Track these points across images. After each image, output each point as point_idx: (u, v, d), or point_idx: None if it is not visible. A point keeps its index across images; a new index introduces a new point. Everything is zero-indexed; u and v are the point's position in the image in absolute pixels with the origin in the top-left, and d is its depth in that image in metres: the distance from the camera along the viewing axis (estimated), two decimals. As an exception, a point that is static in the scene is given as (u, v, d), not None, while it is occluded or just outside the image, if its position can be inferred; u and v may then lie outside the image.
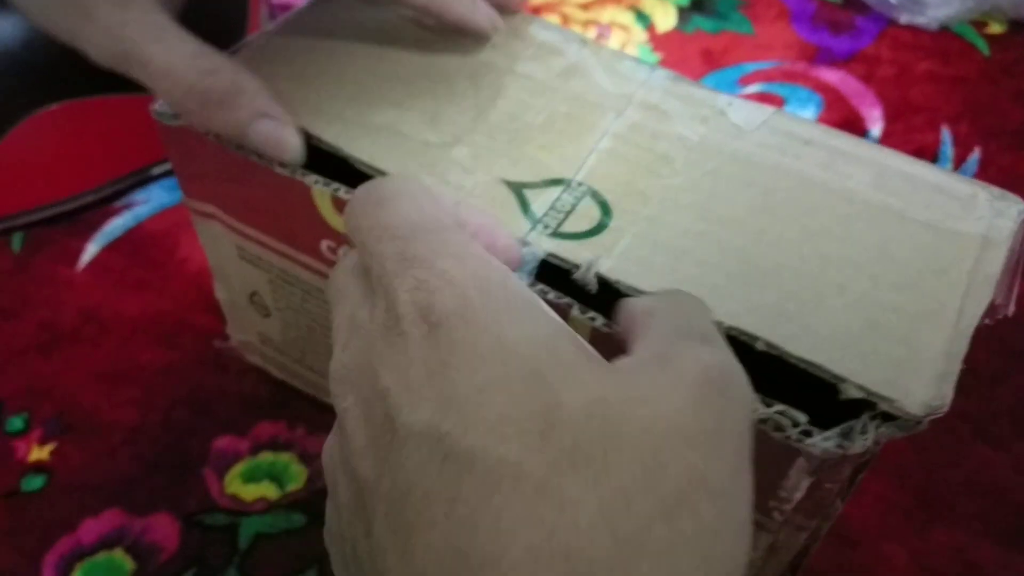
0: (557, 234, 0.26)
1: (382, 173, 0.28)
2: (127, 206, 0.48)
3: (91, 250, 0.46)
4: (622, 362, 0.18)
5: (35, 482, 0.38)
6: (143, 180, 0.49)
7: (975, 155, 0.51)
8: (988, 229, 0.26)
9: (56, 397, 0.41)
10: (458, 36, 0.32)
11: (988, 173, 0.50)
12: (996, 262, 0.25)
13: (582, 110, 0.29)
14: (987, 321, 0.27)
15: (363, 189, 0.22)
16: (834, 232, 0.26)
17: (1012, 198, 0.26)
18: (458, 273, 0.18)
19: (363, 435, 0.18)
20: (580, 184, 0.28)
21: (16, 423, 0.40)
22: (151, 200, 0.48)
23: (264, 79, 0.30)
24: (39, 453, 0.39)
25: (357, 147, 0.28)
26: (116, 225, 0.47)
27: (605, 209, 0.27)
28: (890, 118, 0.52)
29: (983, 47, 0.57)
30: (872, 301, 0.24)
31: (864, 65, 0.56)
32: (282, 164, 0.28)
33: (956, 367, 0.23)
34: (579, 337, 0.19)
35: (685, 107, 0.29)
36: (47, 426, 0.40)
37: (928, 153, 0.51)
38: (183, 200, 0.34)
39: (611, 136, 0.29)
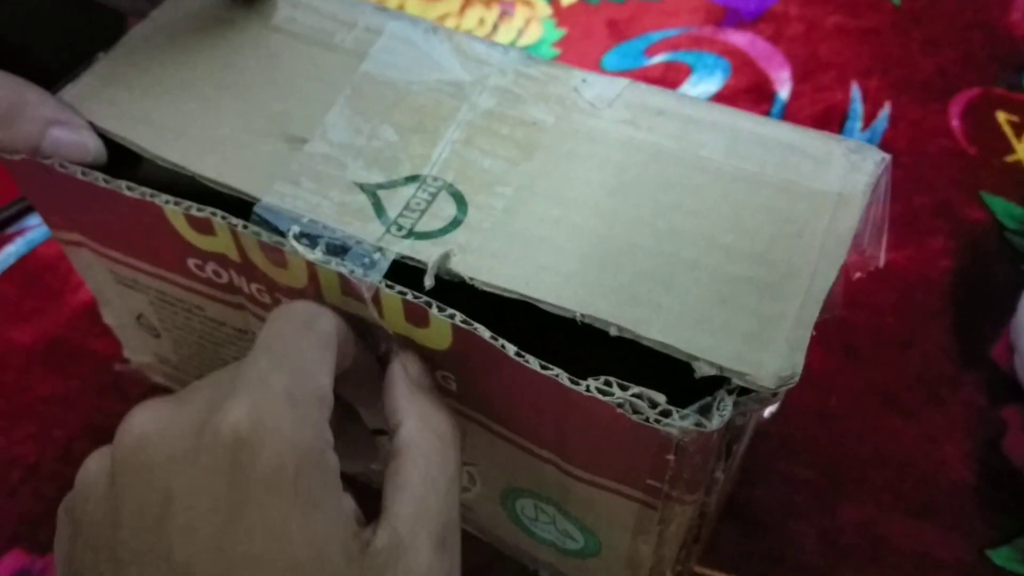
0: (412, 234, 0.25)
1: (230, 188, 0.27)
2: (19, 232, 0.47)
3: (-17, 282, 0.45)
4: (373, 547, 0.21)
5: (-70, 529, 0.37)
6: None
7: (885, 110, 0.50)
8: (843, 185, 0.25)
9: (-50, 439, 0.39)
10: (307, 36, 0.30)
11: (899, 128, 0.49)
12: (850, 219, 0.24)
13: (435, 101, 0.28)
14: (859, 275, 0.27)
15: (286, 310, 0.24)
16: (687, 205, 0.25)
17: (869, 149, 0.26)
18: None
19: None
20: (436, 179, 0.27)
21: (-91, 469, 0.38)
22: (43, 224, 0.47)
23: (113, 99, 0.29)
24: (-65, 498, 0.37)
25: (203, 164, 0.27)
26: (8, 253, 0.46)
27: (461, 204, 0.26)
28: (799, 78, 0.51)
29: (893, -3, 0.56)
30: (724, 275, 0.24)
31: (772, 24, 0.55)
32: (129, 187, 0.27)
33: (807, 334, 0.22)
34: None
35: (539, 88, 0.28)
36: (-58, 470, 0.38)
37: (838, 112, 0.50)
38: (51, 233, 0.33)
39: (465, 126, 0.28)
